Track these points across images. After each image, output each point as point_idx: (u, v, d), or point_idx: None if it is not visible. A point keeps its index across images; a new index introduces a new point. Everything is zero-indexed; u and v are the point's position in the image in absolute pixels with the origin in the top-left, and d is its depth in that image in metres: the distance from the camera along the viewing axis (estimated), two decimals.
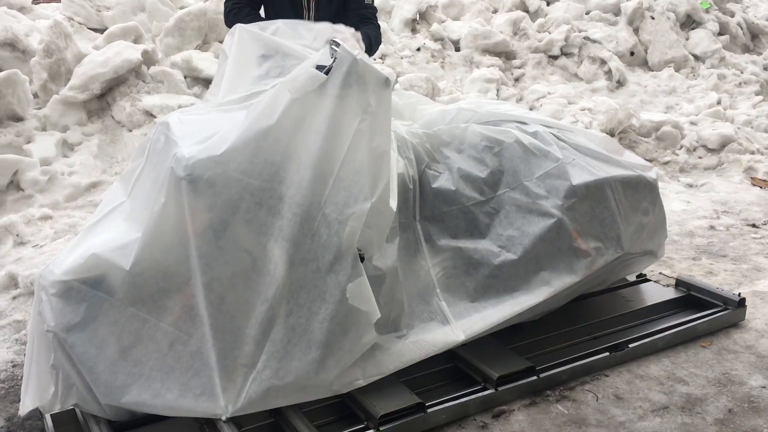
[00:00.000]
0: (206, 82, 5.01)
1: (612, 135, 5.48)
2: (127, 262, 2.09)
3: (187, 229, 2.08)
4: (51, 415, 2.27)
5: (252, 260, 2.13)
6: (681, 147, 5.56)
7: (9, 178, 4.06)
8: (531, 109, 5.79)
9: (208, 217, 2.07)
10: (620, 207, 2.69)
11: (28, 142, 4.31)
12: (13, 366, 2.73)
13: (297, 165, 2.12)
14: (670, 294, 3.22)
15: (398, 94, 2.93)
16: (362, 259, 2.21)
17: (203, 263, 2.09)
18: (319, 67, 2.15)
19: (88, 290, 2.10)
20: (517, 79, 6.27)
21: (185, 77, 5.06)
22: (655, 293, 3.24)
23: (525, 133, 2.74)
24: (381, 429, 2.23)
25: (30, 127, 4.37)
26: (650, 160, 5.51)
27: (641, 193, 2.81)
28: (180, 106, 4.49)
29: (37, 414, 2.32)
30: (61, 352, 2.08)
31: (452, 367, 2.59)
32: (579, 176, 2.63)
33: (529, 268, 2.59)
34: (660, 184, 5.19)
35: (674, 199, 4.90)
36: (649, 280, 3.37)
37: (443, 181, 2.63)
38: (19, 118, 4.42)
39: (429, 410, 2.32)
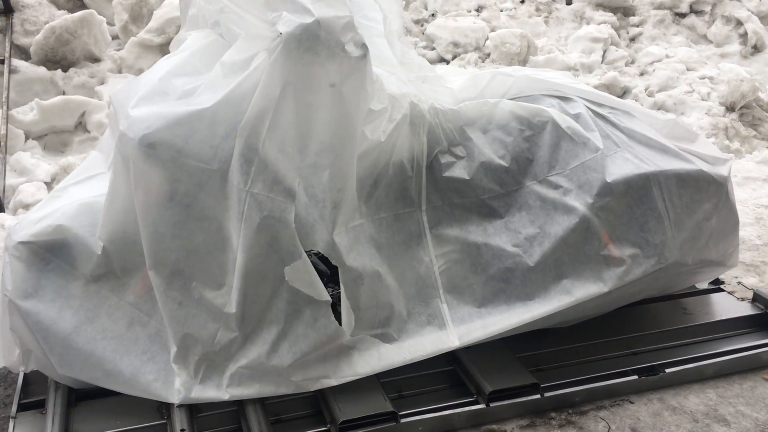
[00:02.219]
0: None
1: (732, 109, 4.80)
2: (93, 240, 2.02)
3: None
4: (24, 373, 2.26)
5: (194, 246, 1.98)
6: None
7: (77, 120, 4.13)
8: (641, 75, 5.17)
9: (145, 200, 1.95)
10: (669, 208, 2.26)
11: (101, 83, 4.36)
12: None
13: (235, 146, 1.92)
14: (743, 310, 2.74)
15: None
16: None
17: (145, 245, 1.97)
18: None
19: (51, 258, 2.04)
20: (632, 39, 5.61)
21: None
22: (724, 307, 2.77)
23: (565, 114, 2.34)
24: None
25: (104, 69, 4.41)
26: None
27: (703, 192, 2.35)
28: None
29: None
30: (17, 318, 2.03)
31: (451, 371, 2.33)
32: (619, 170, 2.23)
33: (547, 275, 2.23)
34: None
35: None
36: (723, 290, 2.88)
37: (457, 170, 2.28)
38: (95, 59, 4.48)
39: (403, 420, 2.09)
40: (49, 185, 3.70)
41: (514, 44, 4.88)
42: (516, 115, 2.34)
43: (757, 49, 5.70)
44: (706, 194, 2.36)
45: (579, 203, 2.21)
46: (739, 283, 3.02)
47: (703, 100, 4.85)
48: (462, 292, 2.28)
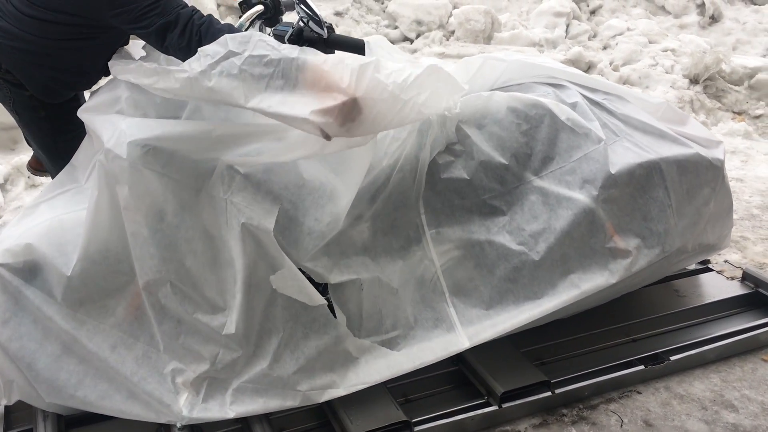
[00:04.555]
0: None
1: (696, 82, 4.83)
2: (62, 261, 1.86)
3: (123, 226, 1.86)
4: None
5: (186, 268, 1.90)
6: None
7: None
8: (604, 49, 5.16)
9: (134, 219, 1.83)
10: (671, 195, 2.22)
11: None
12: None
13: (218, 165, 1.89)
14: (734, 290, 2.74)
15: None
16: None
17: (137, 265, 1.86)
18: (278, 32, 1.77)
19: (21, 283, 1.88)
20: (592, 12, 5.59)
21: None
22: (714, 288, 2.77)
23: (562, 103, 2.26)
24: None
25: None
26: (739, 113, 4.85)
27: (701, 177, 2.32)
28: None
29: None
30: None
31: (456, 372, 2.26)
32: (621, 159, 2.17)
33: (555, 271, 2.17)
34: (747, 143, 4.60)
35: (761, 161, 4.28)
36: (711, 270, 2.89)
37: (456, 170, 2.19)
38: None
39: (417, 428, 2.02)
40: (2, 186, 3.46)
41: (478, 21, 4.79)
42: (512, 109, 2.24)
43: (714, 19, 5.75)
44: (704, 179, 2.33)
45: (583, 196, 2.15)
46: (725, 261, 3.03)
47: (667, 73, 4.87)
48: (469, 295, 2.20)
